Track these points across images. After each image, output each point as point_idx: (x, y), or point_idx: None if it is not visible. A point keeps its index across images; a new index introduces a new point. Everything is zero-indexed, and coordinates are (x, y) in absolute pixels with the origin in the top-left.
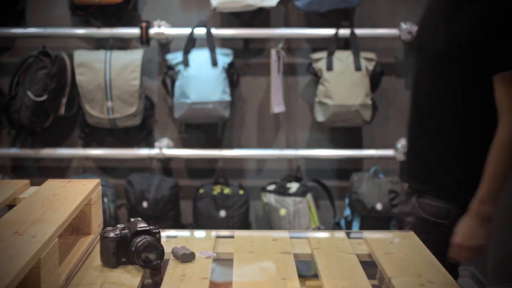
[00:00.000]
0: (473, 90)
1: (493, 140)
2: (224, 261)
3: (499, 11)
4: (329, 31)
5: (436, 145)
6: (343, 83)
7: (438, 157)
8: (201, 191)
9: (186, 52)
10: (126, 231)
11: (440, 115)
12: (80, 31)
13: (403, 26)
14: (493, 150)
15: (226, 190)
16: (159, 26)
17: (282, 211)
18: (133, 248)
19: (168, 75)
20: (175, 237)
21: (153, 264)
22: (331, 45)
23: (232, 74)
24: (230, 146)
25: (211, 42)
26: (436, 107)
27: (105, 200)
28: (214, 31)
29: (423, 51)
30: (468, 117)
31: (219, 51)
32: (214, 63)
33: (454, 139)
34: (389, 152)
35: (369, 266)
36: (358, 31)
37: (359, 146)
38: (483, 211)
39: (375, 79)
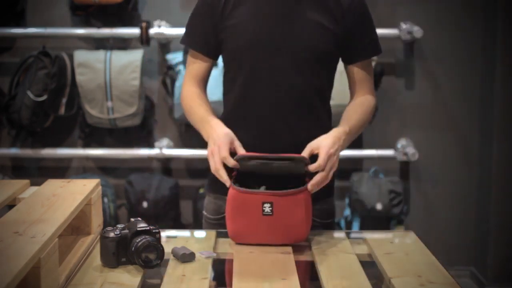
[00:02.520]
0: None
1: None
2: None
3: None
4: None
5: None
6: (343, 83)
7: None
8: (201, 191)
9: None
10: (126, 231)
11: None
12: (80, 31)
13: (403, 26)
14: (365, 105)
15: None
16: (159, 26)
17: None
18: (133, 248)
19: (168, 75)
20: (175, 237)
21: (153, 264)
22: None
23: None
24: None
25: None
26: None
27: (105, 200)
28: None
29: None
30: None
31: None
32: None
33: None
34: (389, 152)
35: (369, 266)
36: None
37: (359, 146)
38: (345, 144)
39: (375, 79)
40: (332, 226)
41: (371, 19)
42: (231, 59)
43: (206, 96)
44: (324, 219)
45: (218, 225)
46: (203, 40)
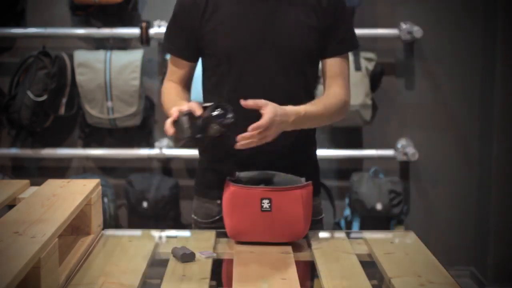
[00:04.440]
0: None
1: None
2: None
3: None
4: None
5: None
6: None
7: None
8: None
9: None
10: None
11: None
12: (80, 31)
13: (403, 26)
14: (331, 99)
15: None
16: (159, 26)
17: None
18: (206, 116)
19: None
20: (175, 237)
21: (227, 117)
22: None
23: None
24: None
25: None
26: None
27: (105, 200)
28: None
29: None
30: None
31: None
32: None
33: None
34: (389, 152)
35: (369, 266)
36: (358, 31)
37: (359, 146)
38: (291, 126)
39: (375, 79)
40: (322, 222)
41: (350, 15)
42: (215, 64)
43: (187, 93)
44: (313, 216)
45: (210, 229)
46: (184, 46)
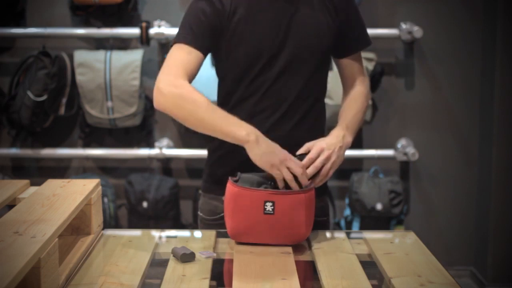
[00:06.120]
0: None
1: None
2: None
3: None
4: None
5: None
6: None
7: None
8: (201, 191)
9: None
10: None
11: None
12: (80, 31)
13: (403, 26)
14: (358, 99)
15: None
16: (159, 26)
17: None
18: None
19: None
20: (175, 237)
21: None
22: None
23: None
24: None
25: None
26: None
27: (105, 200)
28: None
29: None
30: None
31: None
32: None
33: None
34: (389, 152)
35: (369, 266)
36: None
37: (359, 146)
38: (348, 140)
39: (375, 79)
40: (327, 223)
41: (359, 12)
42: (232, 65)
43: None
44: (319, 217)
45: (215, 225)
46: (205, 39)
